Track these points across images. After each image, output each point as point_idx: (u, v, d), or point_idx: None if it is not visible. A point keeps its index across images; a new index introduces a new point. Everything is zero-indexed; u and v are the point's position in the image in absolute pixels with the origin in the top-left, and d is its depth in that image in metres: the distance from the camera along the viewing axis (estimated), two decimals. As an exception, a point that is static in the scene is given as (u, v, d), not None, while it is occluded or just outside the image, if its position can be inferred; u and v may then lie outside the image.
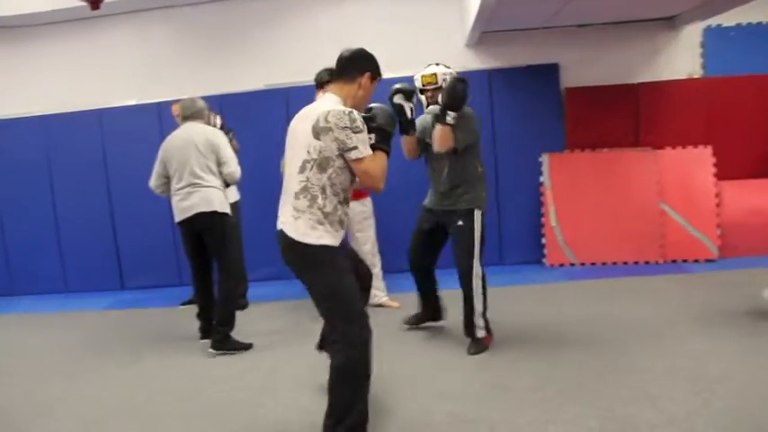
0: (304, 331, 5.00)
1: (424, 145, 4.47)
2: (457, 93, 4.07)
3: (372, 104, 3.20)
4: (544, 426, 3.14)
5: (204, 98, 5.14)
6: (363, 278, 3.37)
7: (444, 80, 4.26)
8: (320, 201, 2.96)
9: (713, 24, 6.77)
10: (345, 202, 3.07)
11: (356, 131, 2.91)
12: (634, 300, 5.23)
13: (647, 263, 6.48)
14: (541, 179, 6.74)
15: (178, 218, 4.84)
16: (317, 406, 3.58)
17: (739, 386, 3.41)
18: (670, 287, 5.59)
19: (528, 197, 6.89)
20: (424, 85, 4.35)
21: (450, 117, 4.08)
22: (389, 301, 5.66)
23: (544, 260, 6.76)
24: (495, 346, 4.35)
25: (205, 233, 4.78)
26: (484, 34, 6.65)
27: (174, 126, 5.04)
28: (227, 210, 4.84)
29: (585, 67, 6.85)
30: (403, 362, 4.21)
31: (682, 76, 6.85)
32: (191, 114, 4.92)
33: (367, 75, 3.14)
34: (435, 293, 4.85)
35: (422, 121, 4.50)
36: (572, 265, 6.64)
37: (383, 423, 3.32)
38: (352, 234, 5.46)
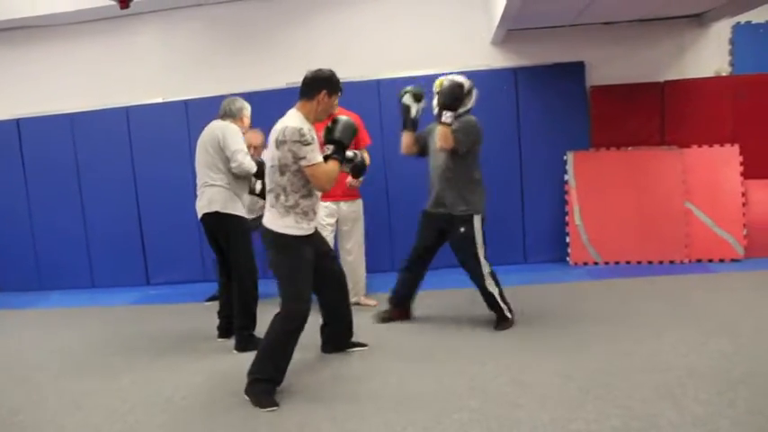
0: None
1: (424, 145, 4.90)
2: (451, 93, 4.47)
3: (339, 116, 3.90)
4: (567, 423, 3.14)
5: (228, 96, 5.17)
6: (336, 274, 4.27)
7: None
8: (282, 197, 3.73)
9: (742, 21, 6.69)
10: (308, 196, 3.78)
11: (305, 144, 3.63)
12: (658, 299, 5.19)
13: (671, 262, 6.43)
14: (566, 177, 6.71)
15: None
16: (345, 400, 3.64)
17: (764, 387, 3.37)
18: (695, 287, 5.55)
19: (552, 195, 6.86)
20: (437, 91, 4.60)
21: (447, 116, 4.45)
22: (366, 300, 5.78)
23: (568, 259, 6.74)
24: (517, 344, 4.36)
25: (216, 233, 4.83)
26: (510, 32, 6.64)
27: (201, 125, 5.06)
28: (232, 210, 4.75)
29: (611, 65, 6.81)
30: (424, 354, 4.24)
31: (709, 73, 6.78)
32: (221, 113, 4.92)
33: (323, 92, 3.80)
34: (412, 296, 5.18)
35: (432, 125, 4.85)
36: (596, 264, 6.61)
37: (409, 415, 3.35)
38: (341, 232, 5.61)
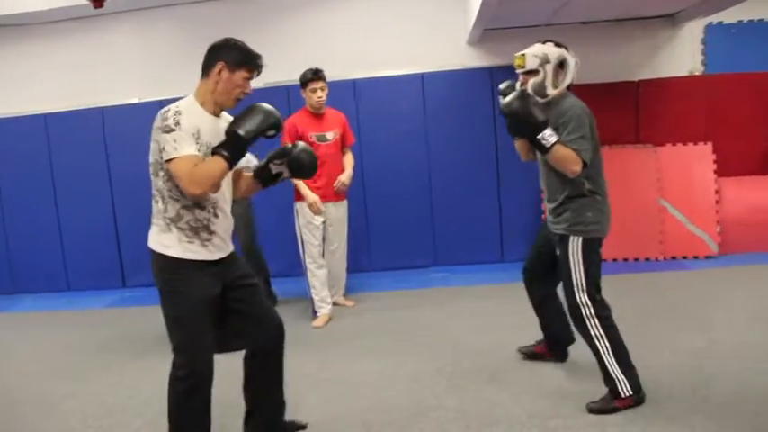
0: (305, 330, 5.08)
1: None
2: (521, 115, 3.23)
3: (257, 103, 2.92)
4: (545, 420, 3.16)
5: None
6: (269, 317, 3.05)
7: (541, 64, 3.36)
8: (161, 205, 2.83)
9: (714, 21, 6.78)
10: (195, 206, 2.80)
11: (166, 131, 2.68)
12: (633, 296, 5.23)
13: (647, 259, 6.49)
14: (542, 176, 6.74)
15: None
16: (324, 401, 3.63)
17: (737, 382, 3.43)
18: (669, 284, 5.61)
19: (529, 194, 6.87)
20: (516, 66, 3.50)
21: (546, 138, 3.20)
22: (344, 300, 5.71)
23: (545, 257, 6.76)
24: (494, 343, 4.37)
25: None
26: (486, 32, 6.65)
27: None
28: None
29: (586, 65, 6.77)
30: (401, 353, 4.24)
31: (683, 73, 6.87)
32: None
33: (220, 65, 2.79)
34: (556, 322, 3.93)
35: None
36: (573, 261, 6.64)
37: (386, 415, 3.35)
38: (327, 232, 5.44)
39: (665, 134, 6.67)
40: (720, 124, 6.64)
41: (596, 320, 3.36)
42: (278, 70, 6.89)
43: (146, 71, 7.38)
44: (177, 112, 2.71)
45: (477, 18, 5.89)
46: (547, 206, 3.65)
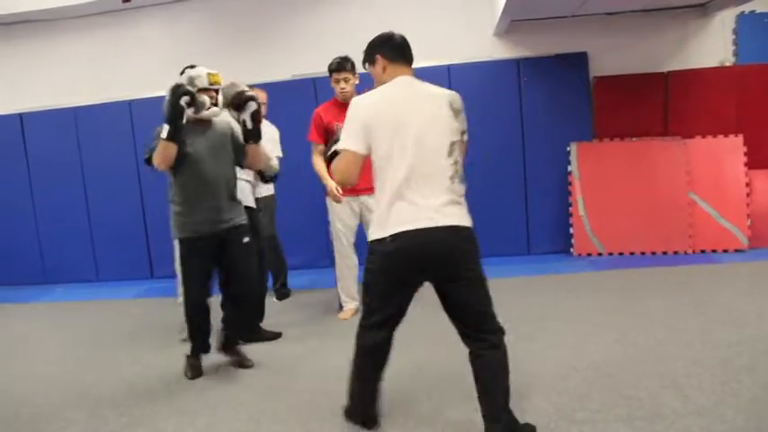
0: (332, 321, 5.12)
1: None
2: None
3: None
4: (571, 413, 3.14)
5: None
6: None
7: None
8: (459, 184, 3.01)
9: (747, 11, 6.67)
10: None
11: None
12: (662, 290, 5.20)
13: (675, 253, 6.42)
14: (569, 168, 6.70)
15: None
16: (344, 392, 3.64)
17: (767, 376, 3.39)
18: (699, 278, 5.55)
19: (556, 186, 6.86)
20: (211, 84, 4.02)
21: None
22: None
23: (572, 250, 6.73)
24: (521, 336, 4.34)
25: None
26: (513, 23, 6.62)
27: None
28: (254, 204, 4.85)
29: (614, 56, 6.79)
30: (429, 343, 4.24)
31: (713, 63, 6.77)
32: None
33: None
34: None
35: None
36: (600, 254, 6.61)
37: (413, 406, 3.34)
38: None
39: (694, 126, 6.58)
40: (752, 116, 6.54)
41: None
42: (304, 63, 6.99)
43: (173, 64, 7.39)
44: None
45: (504, 9, 5.86)
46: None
